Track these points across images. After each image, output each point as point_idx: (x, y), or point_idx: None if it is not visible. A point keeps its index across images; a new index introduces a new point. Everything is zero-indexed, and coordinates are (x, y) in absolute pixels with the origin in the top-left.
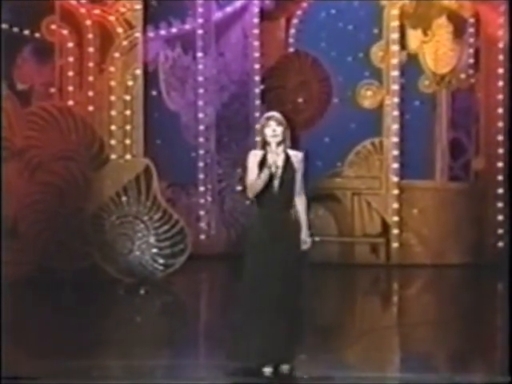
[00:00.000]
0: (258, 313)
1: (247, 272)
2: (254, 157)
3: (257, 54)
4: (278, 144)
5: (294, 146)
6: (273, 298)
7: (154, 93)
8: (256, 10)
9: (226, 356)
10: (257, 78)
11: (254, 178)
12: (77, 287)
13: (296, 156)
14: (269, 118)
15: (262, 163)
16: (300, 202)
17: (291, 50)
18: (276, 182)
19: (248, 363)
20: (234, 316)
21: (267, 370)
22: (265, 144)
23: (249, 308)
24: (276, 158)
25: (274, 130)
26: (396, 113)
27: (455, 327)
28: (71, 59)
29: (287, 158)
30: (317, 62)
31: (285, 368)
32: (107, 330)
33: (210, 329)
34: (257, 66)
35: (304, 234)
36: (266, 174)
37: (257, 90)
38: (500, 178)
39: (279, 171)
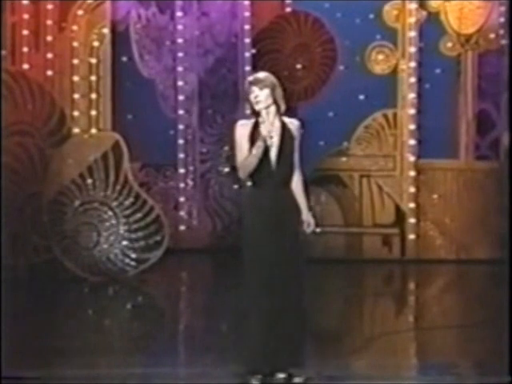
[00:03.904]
0: (257, 310)
1: (247, 264)
2: (243, 128)
3: (247, 14)
4: (268, 110)
5: None
6: (275, 291)
7: (125, 57)
8: None
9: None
10: (247, 41)
11: (245, 154)
12: (33, 286)
13: (292, 123)
14: (251, 83)
15: (254, 135)
16: (296, 178)
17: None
18: (273, 156)
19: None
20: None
21: (255, 382)
22: (254, 112)
23: (249, 305)
24: (270, 127)
25: (256, 95)
26: (413, 80)
27: (481, 333)
28: (26, 16)
29: (283, 126)
30: (319, 22)
31: (280, 377)
32: (69, 335)
33: (189, 335)
34: (247, 27)
35: (305, 215)
36: (260, 147)
37: (247, 54)
38: None
39: (275, 142)
